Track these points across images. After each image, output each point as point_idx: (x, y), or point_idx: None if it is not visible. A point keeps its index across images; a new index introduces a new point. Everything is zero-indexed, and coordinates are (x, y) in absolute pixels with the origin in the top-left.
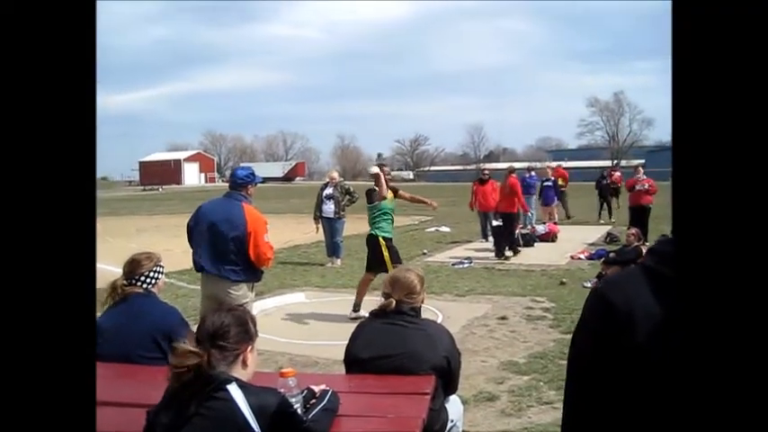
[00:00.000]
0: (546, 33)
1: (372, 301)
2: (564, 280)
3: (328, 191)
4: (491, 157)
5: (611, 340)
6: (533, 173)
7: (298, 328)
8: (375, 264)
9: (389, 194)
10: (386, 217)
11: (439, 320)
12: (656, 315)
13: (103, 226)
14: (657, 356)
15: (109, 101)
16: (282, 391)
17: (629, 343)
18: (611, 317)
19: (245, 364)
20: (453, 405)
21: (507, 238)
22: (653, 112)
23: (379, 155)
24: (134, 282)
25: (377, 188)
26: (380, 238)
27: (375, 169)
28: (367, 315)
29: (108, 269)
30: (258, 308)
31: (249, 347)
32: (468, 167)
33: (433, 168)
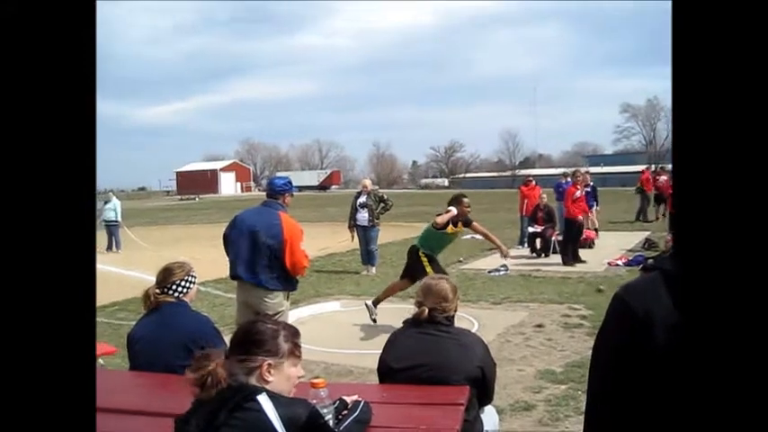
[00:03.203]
0: (579, 40)
1: (392, 309)
2: (601, 287)
3: (362, 199)
4: (527, 163)
5: (630, 344)
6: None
7: (333, 336)
8: (413, 273)
9: (459, 227)
10: (441, 242)
11: (475, 328)
12: (673, 319)
13: (141, 235)
14: (674, 360)
15: (146, 113)
16: (314, 401)
17: (647, 346)
18: (630, 321)
19: (263, 379)
20: (488, 416)
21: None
22: None
23: (414, 162)
24: (166, 290)
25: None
26: (421, 253)
27: (453, 209)
28: (377, 313)
29: (140, 276)
30: (293, 316)
31: (268, 362)
32: (504, 174)
33: (468, 175)
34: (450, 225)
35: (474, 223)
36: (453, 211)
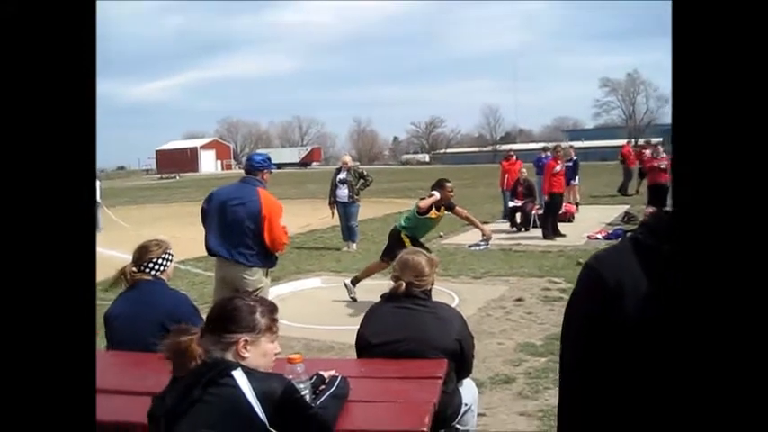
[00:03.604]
0: (560, 14)
1: (373, 285)
2: (581, 260)
3: (342, 175)
4: (507, 138)
5: (600, 312)
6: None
7: (314, 312)
8: (394, 254)
9: (442, 211)
10: (424, 227)
11: (455, 303)
12: (643, 286)
13: (121, 214)
14: (644, 326)
15: (124, 92)
16: (290, 377)
17: (617, 313)
18: (601, 292)
19: (239, 355)
20: (467, 389)
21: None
22: (669, 90)
23: (395, 138)
24: (143, 268)
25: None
26: (404, 235)
27: (436, 194)
28: (355, 291)
29: (120, 256)
30: (274, 293)
31: (245, 338)
32: (485, 149)
33: (449, 151)
34: (434, 209)
35: (457, 208)
36: (436, 195)
